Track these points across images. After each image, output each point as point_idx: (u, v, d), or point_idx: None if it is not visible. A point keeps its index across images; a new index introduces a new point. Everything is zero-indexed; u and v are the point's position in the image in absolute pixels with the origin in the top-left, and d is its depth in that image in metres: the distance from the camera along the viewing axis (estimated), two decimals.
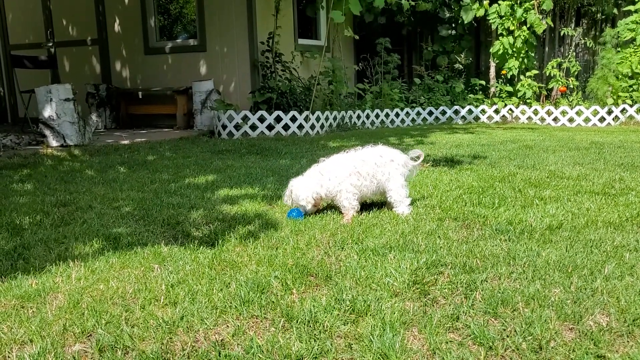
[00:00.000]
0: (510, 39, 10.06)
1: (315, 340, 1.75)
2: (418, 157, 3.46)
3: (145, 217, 3.34)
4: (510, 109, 10.22)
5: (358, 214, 3.28)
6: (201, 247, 2.72)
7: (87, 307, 2.02)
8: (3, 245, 2.81)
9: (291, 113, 8.08)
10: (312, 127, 8.27)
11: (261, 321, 1.91)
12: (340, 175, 3.26)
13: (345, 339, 1.77)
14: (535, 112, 9.94)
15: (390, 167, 3.32)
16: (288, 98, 8.54)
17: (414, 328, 1.83)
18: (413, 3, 10.50)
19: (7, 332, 1.85)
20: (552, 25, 10.44)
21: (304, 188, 3.24)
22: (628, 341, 1.72)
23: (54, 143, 6.74)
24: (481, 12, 10.15)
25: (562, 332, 1.78)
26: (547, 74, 10.34)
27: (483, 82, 11.01)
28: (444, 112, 10.28)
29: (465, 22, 10.39)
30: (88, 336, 1.83)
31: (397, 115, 9.85)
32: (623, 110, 9.15)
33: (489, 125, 9.56)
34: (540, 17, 9.88)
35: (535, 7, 9.88)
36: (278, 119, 8.08)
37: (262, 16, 8.84)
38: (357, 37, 10.23)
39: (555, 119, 9.69)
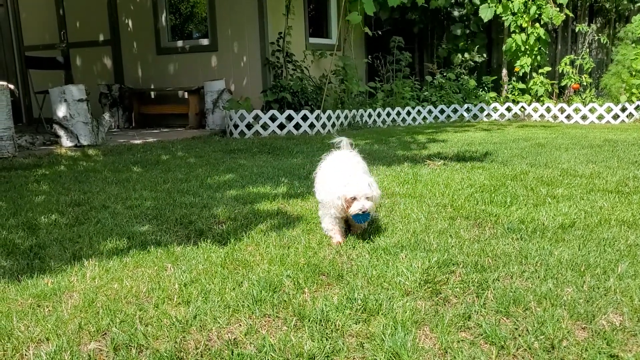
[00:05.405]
0: (523, 36, 9.99)
1: (327, 339, 1.76)
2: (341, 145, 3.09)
3: (158, 216, 3.37)
4: (523, 107, 10.15)
5: None
6: (214, 246, 2.75)
7: (101, 306, 2.05)
8: (19, 245, 2.85)
9: (302, 112, 8.10)
10: (324, 125, 8.27)
11: (273, 320, 1.93)
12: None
13: (357, 337, 1.78)
14: (548, 110, 9.87)
15: None
16: (299, 97, 8.56)
17: (426, 327, 1.84)
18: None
19: (24, 330, 1.88)
20: (572, 16, 10.34)
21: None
22: None
23: (67, 143, 6.81)
24: (500, 10, 10.08)
25: (575, 332, 1.77)
26: (560, 72, 10.26)
27: (495, 79, 10.95)
28: (455, 110, 10.24)
29: (485, 20, 10.29)
30: (103, 335, 1.86)
31: (408, 113, 9.83)
32: (637, 108, 9.06)
33: (501, 123, 9.51)
34: (557, 10, 9.79)
35: (551, 2, 9.80)
36: (289, 118, 8.10)
37: (273, 16, 8.86)
38: (378, 32, 10.21)
39: (568, 117, 9.61)
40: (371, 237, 2.81)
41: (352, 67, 9.46)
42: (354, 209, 2.62)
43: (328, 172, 2.80)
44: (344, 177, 2.67)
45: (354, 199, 2.62)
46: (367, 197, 2.62)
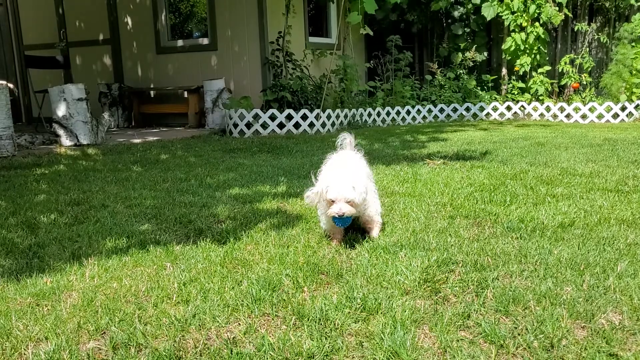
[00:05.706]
0: (523, 35, 9.99)
1: (326, 338, 1.76)
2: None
3: (157, 215, 3.37)
4: (522, 106, 10.15)
5: None
6: (213, 245, 2.74)
7: (100, 305, 2.04)
8: (19, 244, 2.85)
9: (302, 111, 8.09)
10: (323, 125, 8.27)
11: (272, 319, 1.92)
12: None
13: (356, 337, 1.78)
14: (548, 109, 9.87)
15: None
16: (299, 96, 8.55)
17: (425, 326, 1.84)
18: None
19: (22, 329, 1.88)
20: (571, 16, 10.34)
21: None
22: None
23: (67, 142, 6.80)
24: (502, 9, 10.08)
25: (574, 331, 1.77)
26: (560, 71, 10.26)
27: (495, 79, 10.95)
28: (455, 109, 10.24)
29: (488, 18, 10.28)
30: (102, 334, 1.85)
31: (408, 112, 9.83)
32: (637, 107, 9.06)
33: (501, 122, 9.51)
34: (557, 9, 9.79)
35: (550, 1, 9.80)
36: (289, 117, 8.10)
37: (273, 15, 8.86)
38: (371, 33, 10.23)
39: (568, 116, 9.62)
40: (371, 236, 2.81)
41: (352, 66, 9.45)
42: (330, 211, 2.50)
43: (327, 173, 2.77)
44: (330, 178, 2.57)
45: (333, 201, 2.50)
46: (347, 201, 2.46)
